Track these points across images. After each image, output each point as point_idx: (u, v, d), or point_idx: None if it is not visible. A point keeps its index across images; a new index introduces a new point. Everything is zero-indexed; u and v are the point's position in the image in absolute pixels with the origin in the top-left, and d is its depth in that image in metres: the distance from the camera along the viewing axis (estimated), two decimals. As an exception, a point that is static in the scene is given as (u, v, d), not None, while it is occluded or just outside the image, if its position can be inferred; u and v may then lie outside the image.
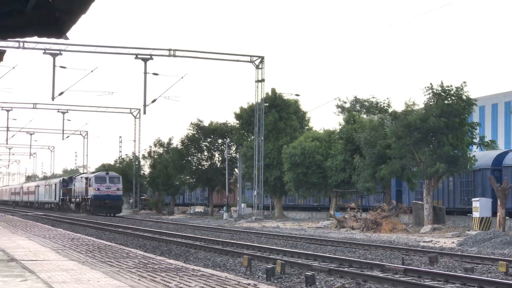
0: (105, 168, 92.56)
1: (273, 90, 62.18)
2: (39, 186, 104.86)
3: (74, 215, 69.20)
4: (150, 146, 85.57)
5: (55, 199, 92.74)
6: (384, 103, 44.83)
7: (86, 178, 76.77)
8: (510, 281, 16.30)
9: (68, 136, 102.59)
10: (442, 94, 38.92)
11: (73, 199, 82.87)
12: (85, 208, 75.92)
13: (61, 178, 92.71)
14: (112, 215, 72.38)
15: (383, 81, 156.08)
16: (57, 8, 9.39)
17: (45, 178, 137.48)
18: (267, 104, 59.83)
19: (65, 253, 20.04)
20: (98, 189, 72.57)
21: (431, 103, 39.25)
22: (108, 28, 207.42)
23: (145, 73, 53.81)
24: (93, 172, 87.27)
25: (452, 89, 39.08)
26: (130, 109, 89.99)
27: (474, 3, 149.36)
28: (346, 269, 19.37)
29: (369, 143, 42.59)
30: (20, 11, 8.90)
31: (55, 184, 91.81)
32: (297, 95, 64.25)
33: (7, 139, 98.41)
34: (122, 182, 76.42)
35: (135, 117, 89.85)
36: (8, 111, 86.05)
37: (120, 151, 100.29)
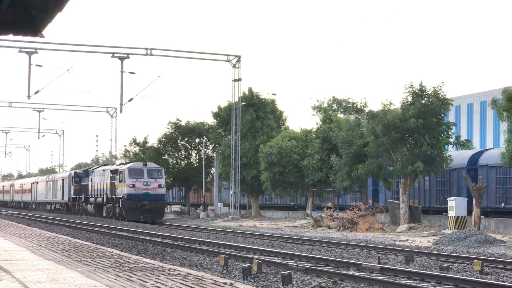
0: (139, 158, 70.14)
1: (250, 90, 62.55)
2: (37, 182, 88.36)
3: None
4: (125, 146, 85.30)
5: (62, 198, 75.28)
6: (360, 103, 45.32)
7: (114, 172, 56.60)
8: (485, 280, 16.46)
9: (44, 135, 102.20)
10: (420, 93, 39.29)
11: (91, 199, 63.14)
12: (112, 211, 56.78)
13: (72, 172, 73.56)
14: (152, 221, 52.99)
15: (360, 81, 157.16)
16: (32, 6, 9.84)
17: (44, 173, 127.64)
18: (244, 103, 60.08)
19: (40, 252, 20.02)
20: (134, 185, 52.89)
21: (408, 103, 39.57)
22: (84, 26, 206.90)
23: (122, 72, 53.67)
24: (122, 164, 62.95)
25: (429, 89, 39.46)
26: (107, 108, 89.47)
27: (450, 5, 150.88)
28: (322, 268, 19.40)
29: (346, 142, 42.82)
30: None
31: (62, 180, 74.51)
32: (273, 94, 64.82)
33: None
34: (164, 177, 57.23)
35: (111, 116, 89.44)
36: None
37: (97, 150, 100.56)
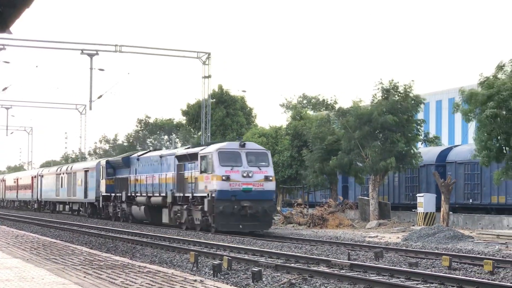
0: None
1: (220, 86, 63.14)
2: (41, 176, 69.45)
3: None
4: (96, 143, 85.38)
5: (84, 196, 55.36)
6: (331, 100, 45.60)
7: (183, 158, 38.39)
8: (453, 275, 16.64)
9: (12, 132, 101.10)
10: (391, 90, 39.58)
11: (138, 197, 43.80)
12: (184, 218, 37.62)
13: (103, 161, 52.19)
14: (258, 231, 34.84)
15: (330, 78, 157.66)
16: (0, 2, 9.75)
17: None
18: (214, 100, 60.32)
19: (9, 250, 19.90)
20: (228, 177, 34.23)
21: (379, 99, 39.86)
22: (53, 23, 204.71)
23: (91, 68, 53.40)
24: (193, 146, 42.93)
25: (400, 86, 39.78)
26: (76, 105, 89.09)
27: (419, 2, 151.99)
28: (292, 264, 19.43)
29: (318, 137, 43.05)
30: None
31: (85, 172, 55.79)
32: (243, 91, 65.35)
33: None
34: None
35: (80, 113, 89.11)
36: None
37: (66, 147, 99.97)
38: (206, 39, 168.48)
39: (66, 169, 62.06)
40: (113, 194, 47.91)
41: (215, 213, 33.23)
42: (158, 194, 40.12)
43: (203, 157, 34.89)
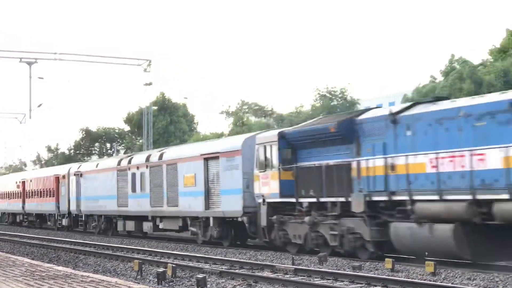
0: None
1: (162, 94, 63.29)
2: (81, 175, 44.44)
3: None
4: (38, 152, 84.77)
5: (207, 207, 29.65)
6: (266, 108, 46.52)
7: None
8: (395, 277, 16.94)
9: None
10: (328, 95, 40.26)
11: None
12: None
13: (275, 132, 26.38)
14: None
15: (268, 85, 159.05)
16: None
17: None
18: (156, 107, 60.33)
19: None
20: None
21: (317, 105, 40.60)
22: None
23: (30, 77, 52.78)
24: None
25: (336, 91, 40.53)
26: (15, 113, 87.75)
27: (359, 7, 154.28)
28: (237, 270, 19.53)
29: None
30: None
31: (210, 160, 30.36)
32: (185, 98, 65.74)
33: None
34: None
35: (20, 122, 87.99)
36: None
37: (5, 157, 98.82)
38: (146, 46, 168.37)
39: (149, 159, 35.84)
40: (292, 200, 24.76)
41: None
42: None
43: None
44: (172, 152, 34.72)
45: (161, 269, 18.72)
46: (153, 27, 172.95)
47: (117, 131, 70.67)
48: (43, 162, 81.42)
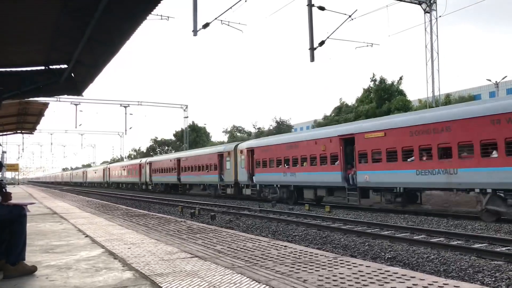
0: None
1: (193, 122, 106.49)
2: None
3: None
4: (129, 151, 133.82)
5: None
6: (246, 130, 69.55)
7: None
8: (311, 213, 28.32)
9: None
10: (279, 121, 55.60)
11: None
12: None
13: None
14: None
15: (248, 114, 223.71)
16: (75, 80, 13.51)
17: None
18: (189, 129, 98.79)
19: (83, 208, 24.20)
20: None
21: (269, 129, 55.02)
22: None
23: (126, 113, 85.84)
24: None
25: (277, 117, 58.04)
26: (118, 132, 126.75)
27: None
28: (230, 210, 30.49)
29: None
30: (57, 82, 13.10)
31: None
32: (204, 124, 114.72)
33: None
34: None
35: (120, 136, 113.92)
36: None
37: (113, 154, 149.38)
38: (183, 95, 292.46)
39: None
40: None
41: None
42: None
43: None
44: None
45: (192, 211, 28.91)
46: (187, 83, 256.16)
47: (170, 141, 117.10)
48: (132, 157, 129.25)
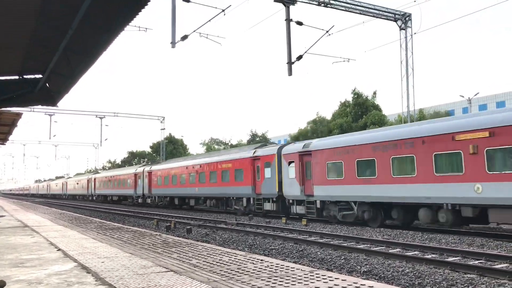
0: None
1: (170, 133, 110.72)
2: None
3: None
4: (103, 164, 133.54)
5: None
6: (225, 140, 71.45)
7: None
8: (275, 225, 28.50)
9: None
10: (254, 134, 55.96)
11: None
12: None
13: None
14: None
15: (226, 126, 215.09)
16: (51, 90, 13.70)
17: None
18: (167, 141, 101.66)
19: (56, 221, 24.71)
20: None
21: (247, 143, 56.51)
22: None
23: (101, 125, 75.02)
24: None
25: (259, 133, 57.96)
26: (93, 143, 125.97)
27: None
28: (207, 224, 30.60)
29: None
30: (32, 92, 13.32)
31: None
32: (182, 136, 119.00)
33: None
34: None
35: (95, 148, 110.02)
36: None
37: (87, 165, 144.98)
38: (161, 106, 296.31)
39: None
40: None
41: None
42: None
43: None
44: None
45: (168, 224, 28.83)
46: (165, 95, 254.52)
47: (146, 153, 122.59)
48: (107, 168, 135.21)
